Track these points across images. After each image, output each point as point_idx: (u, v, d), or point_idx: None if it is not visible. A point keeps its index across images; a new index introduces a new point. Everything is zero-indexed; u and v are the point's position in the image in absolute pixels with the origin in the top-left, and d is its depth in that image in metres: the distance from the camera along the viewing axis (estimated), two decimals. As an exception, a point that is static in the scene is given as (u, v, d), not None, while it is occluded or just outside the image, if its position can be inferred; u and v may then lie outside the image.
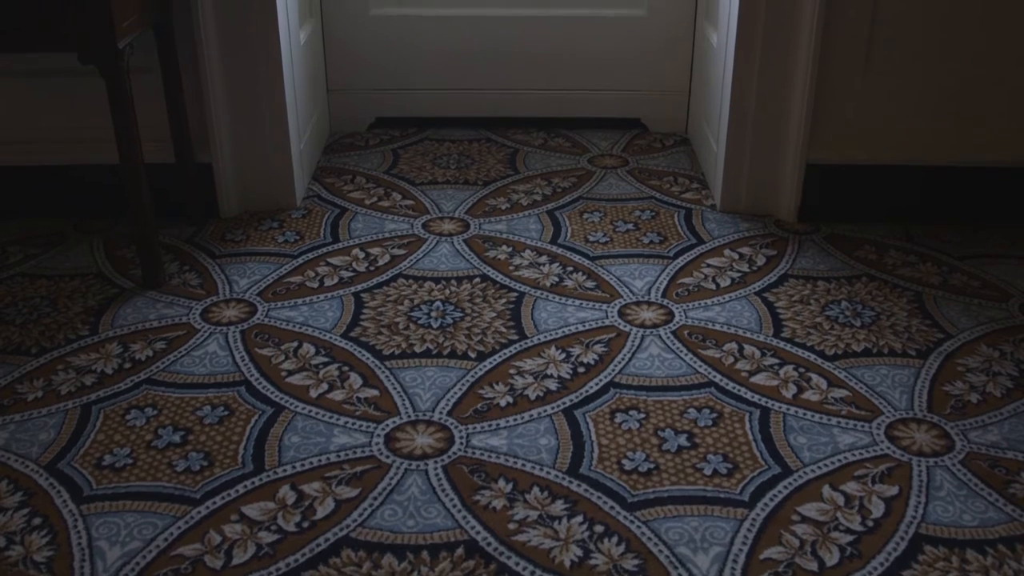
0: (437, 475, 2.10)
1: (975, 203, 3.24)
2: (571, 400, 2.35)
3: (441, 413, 2.30)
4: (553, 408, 2.32)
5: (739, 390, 2.39)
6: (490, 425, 2.26)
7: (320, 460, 2.15)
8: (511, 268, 2.93)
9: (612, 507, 2.01)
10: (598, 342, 2.57)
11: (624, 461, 2.15)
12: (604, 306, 2.74)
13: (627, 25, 3.83)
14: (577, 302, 2.76)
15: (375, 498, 2.03)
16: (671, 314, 2.71)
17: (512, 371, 2.45)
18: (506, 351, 2.53)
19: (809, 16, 2.98)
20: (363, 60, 3.88)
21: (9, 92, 3.16)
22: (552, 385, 2.40)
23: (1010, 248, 3.10)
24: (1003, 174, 3.20)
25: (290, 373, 2.45)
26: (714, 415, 2.30)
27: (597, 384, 2.41)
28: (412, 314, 2.71)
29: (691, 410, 2.31)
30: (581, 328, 2.64)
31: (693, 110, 3.85)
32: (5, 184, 3.24)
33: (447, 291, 2.81)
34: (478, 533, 1.94)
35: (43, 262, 3.00)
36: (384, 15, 3.82)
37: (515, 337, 2.59)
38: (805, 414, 2.30)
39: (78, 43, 2.57)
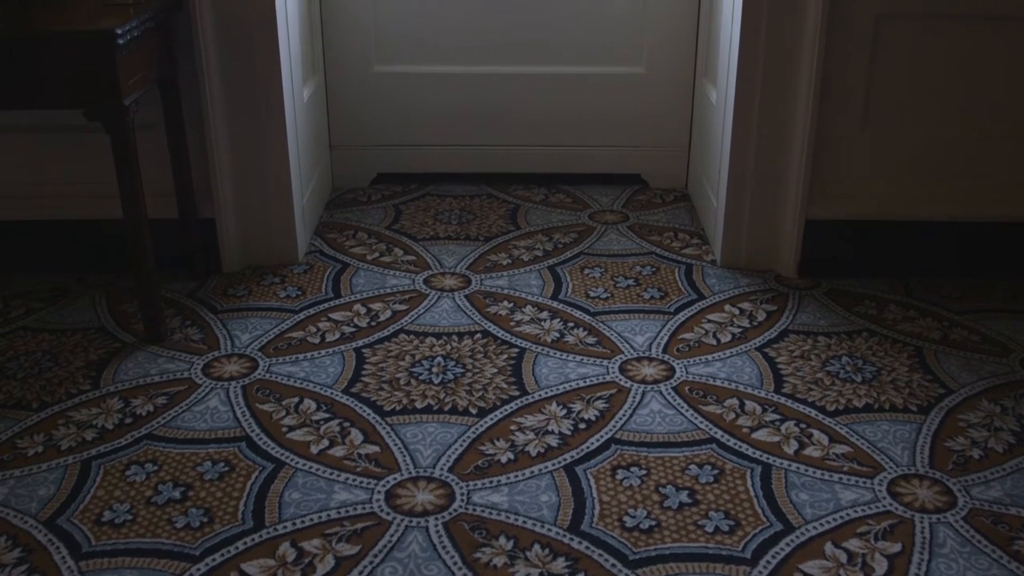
0: (438, 532, 2.09)
1: (974, 258, 3.26)
2: (572, 456, 2.34)
3: (442, 469, 2.29)
4: (554, 464, 2.31)
5: (740, 446, 2.38)
6: (491, 482, 2.25)
7: (320, 517, 2.14)
8: (512, 324, 2.94)
9: (613, 564, 2.00)
10: (599, 398, 2.57)
11: (625, 518, 2.14)
12: (605, 362, 2.75)
13: (627, 82, 3.87)
14: (578, 358, 2.77)
15: (376, 555, 2.02)
16: (672, 370, 2.71)
17: (513, 427, 2.45)
18: (507, 407, 2.53)
19: (807, 73, 3.01)
20: (366, 117, 3.92)
21: (14, 146, 3.19)
22: (553, 441, 2.39)
23: (1010, 302, 3.11)
24: (1001, 229, 3.22)
25: (291, 429, 2.45)
26: (715, 471, 2.29)
27: (598, 440, 2.40)
28: (413, 370, 2.71)
29: (692, 466, 2.31)
30: (582, 384, 2.64)
31: (693, 166, 3.88)
32: (9, 238, 3.26)
33: (448, 347, 2.82)
34: (479, 591, 1.93)
35: (45, 316, 3.01)
36: (387, 72, 3.86)
37: (516, 393, 2.59)
38: (807, 470, 2.30)
39: (85, 100, 2.60)
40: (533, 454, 2.35)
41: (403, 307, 3.04)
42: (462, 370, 2.70)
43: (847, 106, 3.09)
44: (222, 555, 2.03)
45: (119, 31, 2.50)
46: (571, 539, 2.07)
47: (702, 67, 3.73)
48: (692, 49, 3.80)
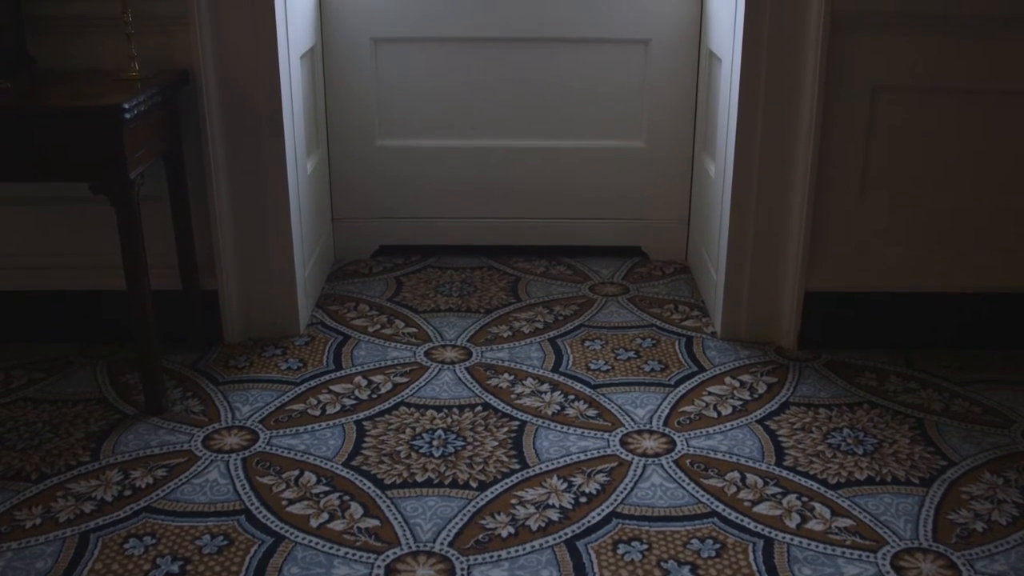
0: (438, 607, 2.07)
1: (974, 328, 3.27)
2: (573, 531, 2.33)
3: (442, 544, 2.28)
4: (555, 539, 2.30)
5: (742, 520, 2.37)
6: (492, 556, 2.23)
7: (319, 591, 2.12)
8: (513, 396, 2.94)
9: (615, 641, 1.98)
10: (600, 471, 2.56)
11: (627, 593, 2.12)
12: (606, 435, 2.74)
13: (626, 156, 3.91)
14: (579, 431, 2.76)
15: (375, 631, 2.00)
16: (673, 443, 2.70)
17: (514, 501, 2.44)
18: (508, 480, 2.52)
19: (805, 146, 3.05)
20: (368, 189, 3.96)
21: (17, 217, 3.22)
22: (554, 515, 2.38)
23: (1011, 373, 3.11)
24: (1001, 299, 3.24)
25: (291, 502, 2.44)
26: (717, 546, 2.28)
27: (599, 514, 2.39)
28: (414, 443, 2.70)
29: (694, 541, 2.29)
30: (583, 457, 2.63)
31: (693, 238, 3.90)
32: (11, 308, 3.27)
33: (449, 419, 2.81)
34: (479, 668, 1.91)
35: (47, 386, 3.01)
36: (389, 146, 3.91)
37: (517, 466, 2.59)
38: (809, 544, 2.28)
39: (91, 173, 2.63)
40: (534, 528, 2.33)
41: (404, 380, 3.04)
42: (463, 443, 2.69)
43: (845, 177, 3.13)
44: (220, 630, 2.01)
45: (126, 106, 2.53)
46: (572, 614, 2.05)
47: (701, 141, 3.77)
48: (691, 123, 3.85)
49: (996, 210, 3.18)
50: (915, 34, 2.99)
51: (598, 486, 2.50)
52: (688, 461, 2.61)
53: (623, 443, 2.70)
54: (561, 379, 3.05)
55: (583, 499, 2.44)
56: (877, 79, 3.03)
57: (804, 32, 2.96)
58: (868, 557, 2.24)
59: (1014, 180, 3.15)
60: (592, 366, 3.13)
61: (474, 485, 2.50)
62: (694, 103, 3.82)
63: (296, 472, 2.56)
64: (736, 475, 2.55)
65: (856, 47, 2.99)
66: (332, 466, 2.59)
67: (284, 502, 2.43)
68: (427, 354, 3.20)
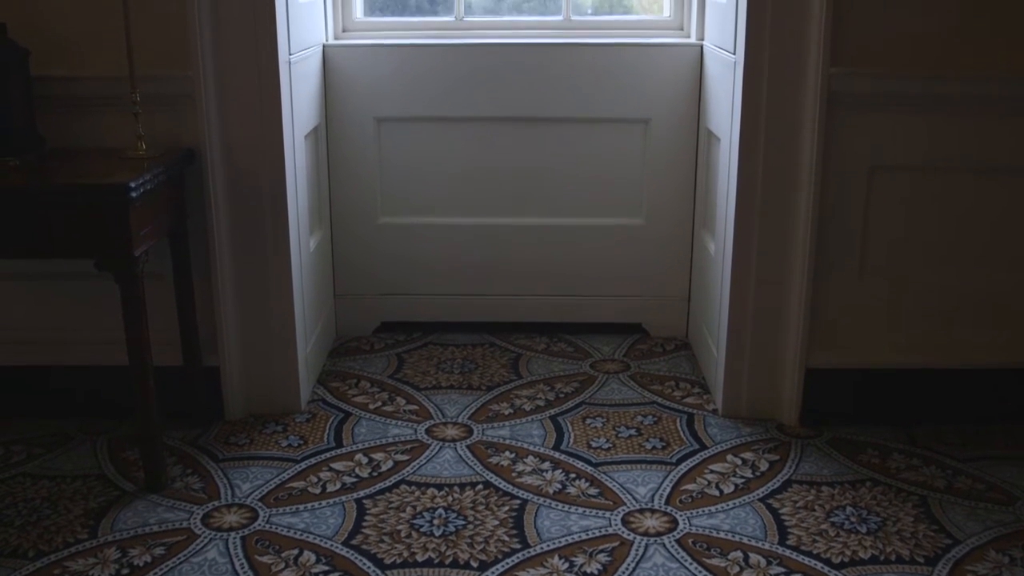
0: None
1: (976, 404, 3.26)
2: (575, 610, 2.31)
3: (442, 623, 2.25)
4: (557, 618, 2.27)
5: (746, 600, 2.35)
6: (492, 636, 2.21)
7: (318, 673, 2.10)
8: (514, 475, 2.93)
9: None
10: (602, 551, 2.54)
11: (630, 675, 2.09)
12: (607, 514, 2.73)
13: (626, 233, 3.94)
14: (580, 510, 2.75)
15: None
16: (675, 522, 2.69)
17: (515, 579, 2.42)
18: (508, 560, 2.50)
19: (803, 224, 3.08)
20: (370, 266, 3.98)
21: (19, 292, 3.24)
22: (555, 594, 2.36)
23: (1014, 449, 3.10)
24: (1002, 374, 3.24)
25: (290, 581, 2.42)
26: (721, 626, 2.25)
27: (601, 593, 2.37)
28: (414, 521, 2.69)
29: (697, 621, 2.27)
30: (584, 537, 2.61)
31: (693, 315, 3.91)
32: (13, 383, 3.27)
33: (450, 498, 2.80)
34: None
35: (46, 462, 3.00)
36: (391, 223, 3.94)
37: (518, 546, 2.57)
38: (814, 625, 2.26)
39: (96, 251, 2.65)
40: (535, 608, 2.31)
41: (405, 457, 3.03)
42: (463, 522, 2.68)
43: (844, 255, 3.15)
44: None
45: (133, 185, 2.57)
46: None
47: (700, 219, 3.81)
48: (690, 201, 3.88)
49: (996, 286, 3.19)
50: (911, 113, 3.03)
51: (600, 566, 2.48)
52: (690, 540, 2.59)
53: (625, 522, 2.68)
54: (562, 457, 3.04)
55: (585, 579, 2.42)
56: (874, 158, 3.07)
57: (801, 112, 3.01)
58: (873, 638, 2.21)
59: (1013, 257, 3.17)
60: (593, 444, 3.12)
61: (475, 565, 2.48)
62: (693, 181, 3.86)
63: (296, 551, 2.54)
64: (739, 555, 2.53)
65: (853, 127, 3.03)
66: (332, 545, 2.57)
67: (283, 581, 2.42)
68: (428, 431, 3.19)
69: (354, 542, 2.58)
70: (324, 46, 3.73)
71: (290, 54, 3.15)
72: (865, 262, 3.17)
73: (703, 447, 3.11)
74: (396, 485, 2.87)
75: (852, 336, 3.23)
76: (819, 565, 2.49)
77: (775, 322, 3.20)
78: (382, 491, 2.84)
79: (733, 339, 3.24)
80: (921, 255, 3.17)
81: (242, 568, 2.47)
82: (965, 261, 3.18)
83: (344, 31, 3.88)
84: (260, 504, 2.77)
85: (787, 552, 2.54)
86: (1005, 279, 3.19)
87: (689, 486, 2.87)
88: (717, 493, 2.84)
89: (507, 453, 3.05)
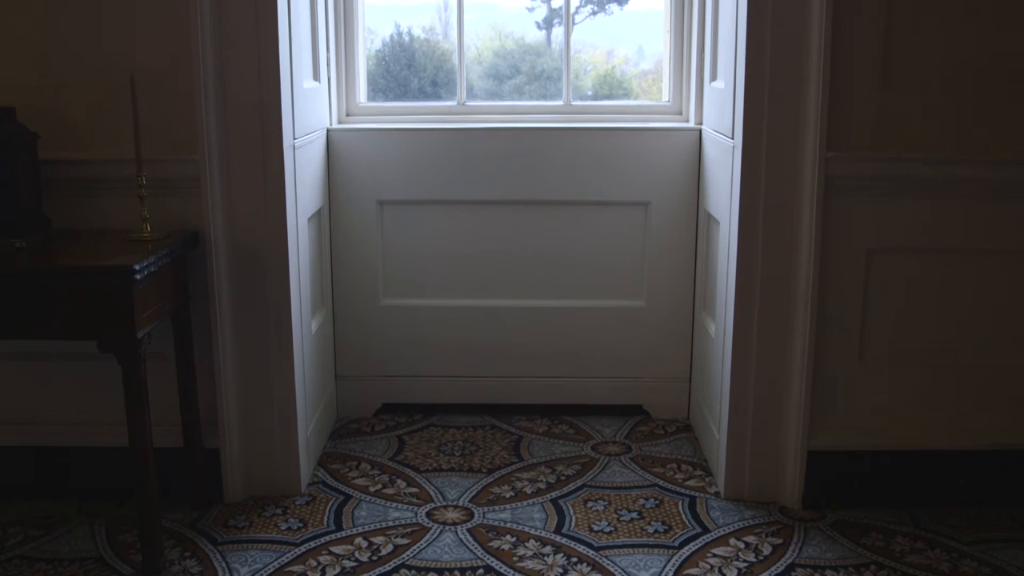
0: None
1: (979, 486, 3.24)
2: None
3: None
4: None
5: None
6: None
7: None
8: (515, 559, 2.90)
9: None
10: (604, 635, 2.51)
11: None
12: (610, 597, 2.70)
13: (627, 315, 3.96)
14: (582, 592, 2.72)
15: None
16: (678, 605, 2.66)
17: (516, 666, 2.38)
18: (510, 644, 2.47)
19: (803, 306, 3.09)
20: (372, 348, 3.99)
21: (20, 372, 3.24)
22: None
23: (1018, 532, 3.07)
24: (1006, 456, 3.22)
25: (288, 667, 2.38)
26: None
27: None
28: (414, 604, 2.66)
29: None
30: (586, 620, 2.59)
31: (694, 397, 3.91)
32: (10, 464, 3.26)
33: (450, 580, 2.77)
34: None
35: (43, 545, 2.98)
36: (393, 305, 3.96)
37: (519, 629, 2.54)
38: None
39: (99, 332, 2.66)
40: None
41: (405, 541, 3.01)
42: (464, 605, 2.65)
43: (844, 337, 3.16)
44: None
45: (137, 267, 2.59)
46: None
47: (701, 301, 3.82)
48: (691, 283, 3.91)
49: (997, 368, 3.20)
50: (908, 197, 3.07)
51: (602, 651, 2.45)
52: (694, 625, 2.56)
53: (627, 606, 2.65)
54: (564, 541, 3.01)
55: (587, 665, 2.39)
56: (872, 240, 3.10)
57: (799, 196, 3.04)
58: None
59: (1013, 338, 3.18)
60: (595, 527, 3.10)
61: (475, 650, 2.45)
62: (693, 263, 3.89)
63: (294, 636, 2.51)
64: (743, 640, 2.50)
65: (850, 210, 3.07)
66: (331, 630, 2.54)
67: (281, 667, 2.38)
68: (429, 515, 3.17)
69: (353, 627, 2.55)
70: (328, 130, 3.79)
71: (294, 138, 3.20)
72: (865, 344, 3.18)
73: (705, 530, 3.08)
74: (396, 569, 2.84)
75: (854, 418, 3.22)
76: (824, 651, 2.46)
77: (776, 404, 3.20)
78: None
79: (734, 421, 3.24)
80: (921, 337, 3.18)
81: (240, 654, 2.43)
82: (966, 342, 3.19)
83: (348, 115, 3.94)
84: (259, 588, 2.74)
85: (792, 638, 2.51)
86: (1006, 360, 3.20)
87: (692, 571, 2.84)
88: (720, 577, 2.81)
89: (508, 537, 3.03)
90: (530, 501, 3.27)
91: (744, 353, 3.18)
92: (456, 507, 3.22)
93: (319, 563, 2.87)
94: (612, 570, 2.84)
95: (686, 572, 2.83)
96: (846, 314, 3.15)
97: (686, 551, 2.95)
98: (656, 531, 3.08)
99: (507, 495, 3.31)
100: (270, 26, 2.98)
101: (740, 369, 3.19)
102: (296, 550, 2.95)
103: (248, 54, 2.98)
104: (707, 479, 3.44)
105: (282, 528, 3.08)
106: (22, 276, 2.67)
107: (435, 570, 2.83)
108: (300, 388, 3.28)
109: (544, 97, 4.13)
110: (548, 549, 2.96)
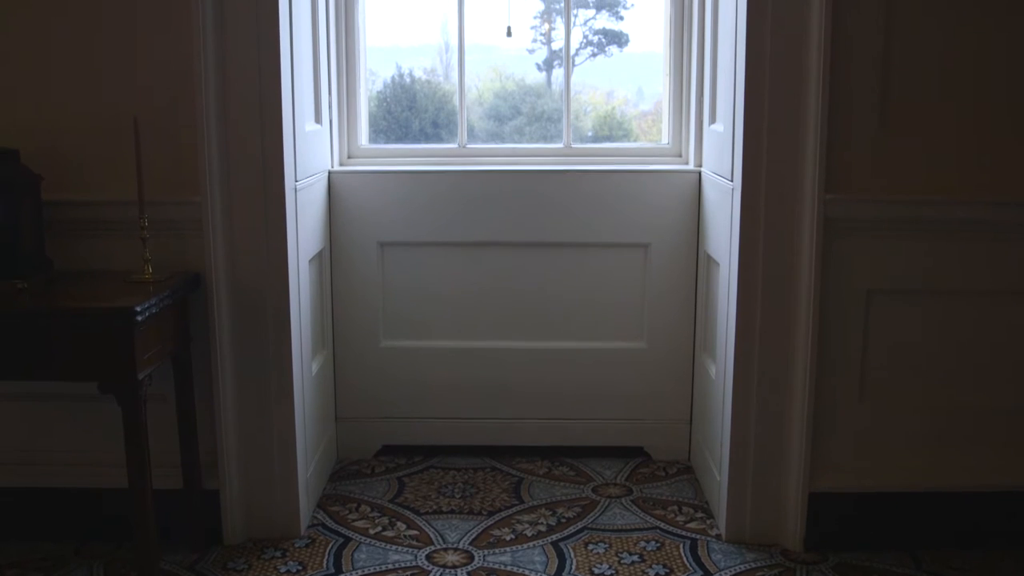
0: None
1: (982, 528, 3.23)
2: None
3: None
4: None
5: None
6: None
7: None
8: (515, 600, 2.89)
9: None
10: None
11: None
12: (611, 641, 2.68)
13: (628, 357, 3.96)
14: (583, 636, 2.70)
15: None
16: (679, 650, 2.64)
17: None
18: None
19: (803, 348, 3.09)
20: (372, 389, 3.99)
21: (18, 413, 3.24)
22: None
23: (1021, 573, 3.05)
24: (1007, 498, 3.21)
25: None
26: None
27: None
28: (414, 648, 2.64)
29: None
30: (587, 664, 2.57)
31: (695, 439, 3.90)
32: (8, 505, 3.25)
33: (450, 624, 2.75)
34: None
35: (41, 591, 2.97)
36: (394, 347, 3.96)
37: (519, 674, 2.52)
38: None
39: (100, 373, 2.67)
40: None
41: (405, 582, 2.99)
42: (464, 649, 2.63)
43: (845, 378, 3.16)
44: None
45: (138, 308, 2.60)
46: None
47: (701, 342, 3.83)
48: (691, 325, 3.91)
49: (998, 408, 3.19)
50: (907, 238, 3.08)
51: None
52: (695, 670, 2.55)
53: (628, 650, 2.64)
54: (564, 583, 3.00)
55: None
56: (871, 282, 3.11)
57: (798, 237, 3.05)
58: None
59: (1014, 378, 3.18)
60: (596, 570, 3.08)
61: None
62: (693, 305, 3.89)
63: None
64: None
65: (849, 251, 3.08)
66: (330, 674, 2.52)
67: None
68: (428, 558, 3.16)
69: (352, 671, 2.53)
70: (330, 172, 3.81)
71: (296, 181, 3.22)
72: (866, 385, 3.18)
73: (707, 573, 3.07)
74: (396, 612, 2.83)
75: (855, 459, 3.21)
76: None
77: (777, 445, 3.19)
78: (381, 618, 2.80)
79: (735, 463, 3.23)
80: (922, 377, 3.18)
81: None
82: (967, 383, 3.19)
83: (349, 157, 3.96)
84: (257, 632, 2.72)
85: None
86: (1007, 401, 3.19)
87: (693, 614, 2.83)
88: (722, 621, 2.79)
89: (508, 579, 3.02)
90: (531, 544, 3.25)
91: (745, 395, 3.18)
92: (456, 550, 3.21)
93: (318, 606, 2.86)
94: (613, 614, 2.82)
95: (687, 616, 2.82)
96: (846, 355, 3.15)
97: (687, 594, 2.94)
98: (657, 574, 3.06)
99: (507, 538, 3.29)
100: (272, 70, 3.00)
101: (741, 411, 3.19)
102: (295, 593, 2.94)
103: (250, 97, 3.01)
104: (708, 521, 3.43)
105: (281, 571, 3.07)
106: (23, 317, 2.68)
107: (435, 613, 2.82)
108: (300, 430, 3.28)
109: (545, 138, 4.15)
110: (549, 592, 2.94)
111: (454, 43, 4.01)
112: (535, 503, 3.57)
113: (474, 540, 3.27)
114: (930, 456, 3.22)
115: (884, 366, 3.17)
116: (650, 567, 3.10)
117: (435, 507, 3.53)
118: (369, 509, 3.52)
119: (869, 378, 3.18)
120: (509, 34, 3.92)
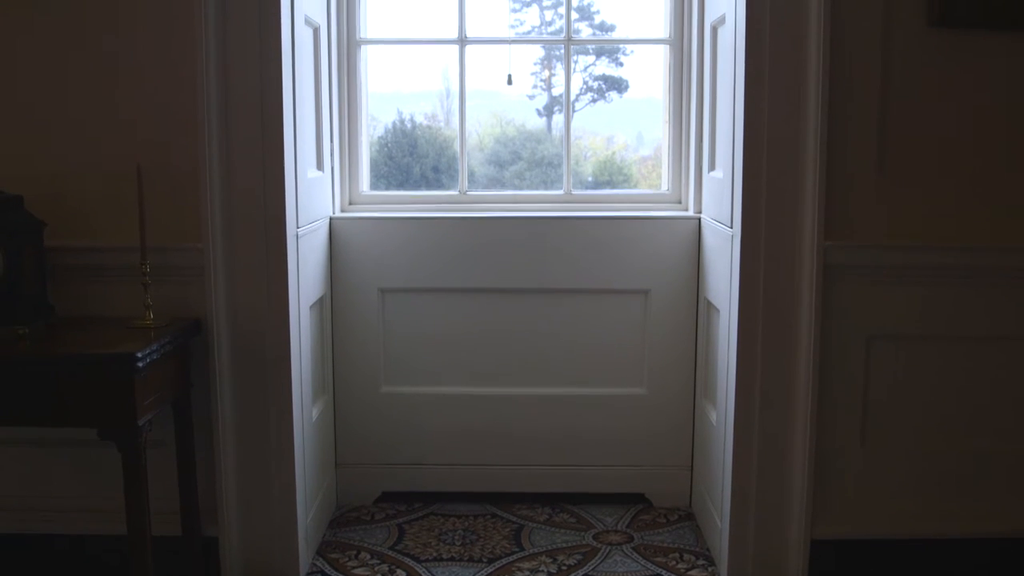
0: None
1: (985, 574, 3.22)
2: None
3: None
4: None
5: None
6: None
7: None
8: (516, 649, 2.86)
9: None
10: None
11: None
12: None
13: (628, 403, 3.95)
14: None
15: None
16: None
17: None
18: None
19: (804, 394, 3.09)
20: (372, 435, 3.98)
21: (15, 459, 3.23)
22: None
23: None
24: (1009, 544, 3.20)
25: None
26: None
27: None
28: None
29: None
30: None
31: (696, 485, 3.89)
32: (7, 551, 3.23)
33: (450, 674, 2.73)
34: None
35: (37, 640, 2.95)
36: (394, 393, 3.96)
37: None
38: None
39: (100, 420, 2.66)
40: None
41: (404, 631, 2.97)
42: None
43: (845, 424, 3.16)
44: None
45: (139, 355, 2.60)
46: None
47: (702, 388, 3.82)
48: (691, 371, 3.91)
49: (1002, 453, 3.18)
50: (907, 284, 3.09)
51: None
52: None
53: None
54: (565, 632, 2.97)
55: None
56: (872, 327, 3.11)
57: (798, 284, 3.06)
58: None
59: (1016, 424, 3.17)
60: (597, 618, 3.06)
61: None
62: (694, 351, 3.89)
63: None
64: None
65: (850, 297, 3.09)
66: None
67: None
68: (428, 605, 3.14)
69: None
70: (331, 218, 3.83)
71: (298, 227, 3.23)
72: (867, 431, 3.18)
73: (709, 622, 3.05)
74: (395, 661, 2.80)
75: (856, 506, 3.20)
76: None
77: (779, 492, 3.18)
78: (381, 668, 2.77)
79: (737, 509, 3.21)
80: (924, 423, 3.18)
81: None
82: (968, 428, 3.18)
83: (351, 203, 3.98)
84: None
85: None
86: (1010, 446, 3.18)
87: (695, 663, 2.80)
88: (724, 671, 2.77)
89: (509, 628, 2.99)
90: (531, 591, 3.24)
91: (745, 441, 3.17)
92: (456, 597, 3.19)
93: (317, 655, 2.84)
94: (614, 663, 2.80)
95: (689, 665, 2.79)
96: (847, 401, 3.15)
97: (689, 643, 2.92)
98: (659, 623, 3.04)
99: (508, 585, 3.28)
100: (275, 117, 3.03)
101: (742, 457, 3.18)
102: (294, 642, 2.92)
103: (253, 145, 3.03)
104: (710, 568, 3.41)
105: (280, 619, 3.05)
106: (24, 363, 2.68)
107: (435, 663, 2.79)
108: (300, 476, 3.26)
109: (545, 182, 4.18)
110: (549, 641, 2.92)
111: (455, 89, 4.04)
112: (536, 550, 3.55)
113: (474, 588, 3.26)
114: (932, 502, 3.20)
115: (886, 412, 3.17)
116: (651, 615, 3.08)
117: (435, 554, 3.51)
118: (369, 556, 3.50)
119: (871, 424, 3.18)
120: (510, 82, 3.95)
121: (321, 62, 3.62)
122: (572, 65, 4.01)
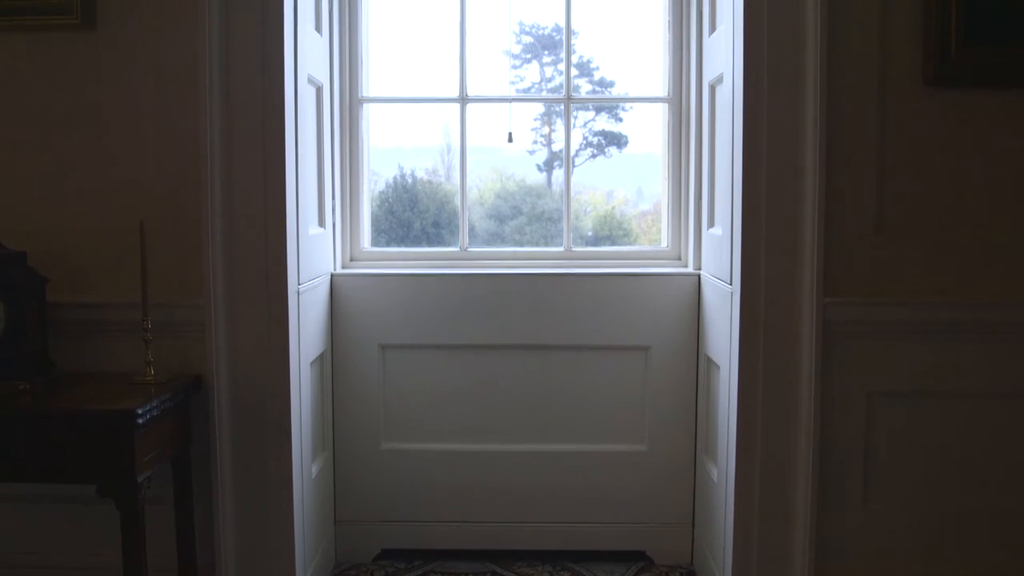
0: None
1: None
2: None
3: None
4: None
5: None
6: None
7: None
8: None
9: None
10: None
11: None
12: None
13: (629, 460, 3.93)
14: None
15: None
16: None
17: None
18: None
19: (804, 451, 3.08)
20: (371, 492, 3.96)
21: (13, 515, 3.21)
22: None
23: None
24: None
25: None
26: None
27: None
28: None
29: None
30: None
31: (698, 542, 3.86)
32: (4, 614, 3.21)
33: None
34: None
35: None
36: (394, 449, 3.94)
37: None
38: None
39: (99, 476, 2.66)
40: None
41: None
42: None
43: (847, 481, 3.14)
44: None
45: (139, 411, 2.60)
46: None
47: (702, 445, 3.81)
48: (692, 427, 3.90)
49: (1007, 512, 3.16)
50: (907, 341, 3.09)
51: None
52: None
53: None
54: None
55: None
56: (872, 384, 3.11)
57: (798, 340, 3.07)
58: None
59: (1021, 481, 3.16)
60: None
61: None
62: (694, 407, 3.88)
63: None
64: None
65: (850, 354, 3.09)
66: None
67: None
68: (427, 664, 3.10)
69: None
70: (332, 275, 3.84)
71: (299, 284, 3.25)
72: (869, 488, 3.16)
73: None
74: None
75: (859, 563, 3.18)
76: None
77: (781, 549, 3.15)
78: None
79: (738, 567, 3.19)
80: (925, 480, 3.16)
81: None
82: (970, 485, 3.16)
83: (352, 260, 4.00)
84: None
85: None
86: (1013, 503, 3.17)
87: None
88: None
89: None
90: (531, 651, 3.20)
91: (747, 497, 3.15)
92: (456, 657, 3.15)
93: None
94: None
95: None
96: (848, 458, 3.14)
97: None
98: None
99: (508, 645, 3.24)
100: (277, 175, 3.05)
101: (743, 513, 3.16)
102: None
103: (255, 202, 3.05)
104: (712, 628, 3.38)
105: None
106: (24, 419, 2.68)
107: None
108: (299, 534, 3.25)
109: (545, 237, 4.19)
110: None
111: (456, 144, 4.07)
112: (536, 609, 3.52)
113: (474, 647, 3.22)
114: (934, 560, 3.18)
115: (887, 468, 3.16)
116: (653, 676, 3.05)
117: (434, 613, 3.49)
118: (367, 615, 3.47)
119: (872, 481, 3.16)
120: (511, 140, 3.98)
121: (324, 120, 3.65)
122: (572, 121, 4.05)
